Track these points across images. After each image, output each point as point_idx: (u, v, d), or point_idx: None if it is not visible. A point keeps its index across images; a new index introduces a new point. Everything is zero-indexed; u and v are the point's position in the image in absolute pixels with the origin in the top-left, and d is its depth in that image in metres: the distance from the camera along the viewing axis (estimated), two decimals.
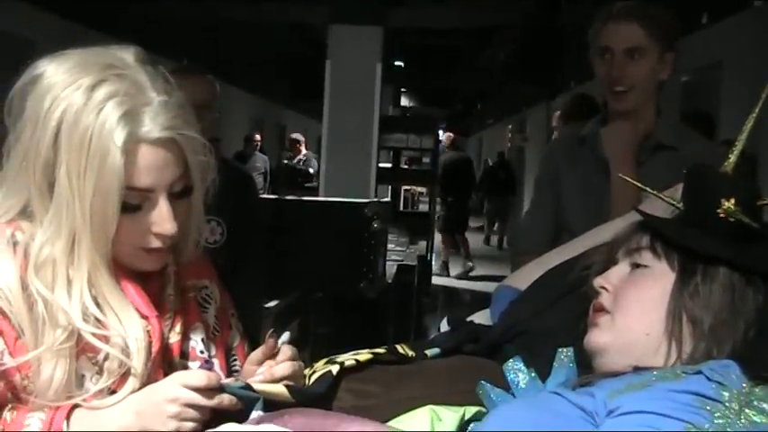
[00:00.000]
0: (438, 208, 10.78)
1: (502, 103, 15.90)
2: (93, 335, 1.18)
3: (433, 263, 10.04)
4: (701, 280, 1.16)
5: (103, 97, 1.15)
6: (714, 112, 5.63)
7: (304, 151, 11.20)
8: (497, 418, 1.12)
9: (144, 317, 1.23)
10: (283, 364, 1.26)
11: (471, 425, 1.21)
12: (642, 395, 1.03)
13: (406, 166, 10.68)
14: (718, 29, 6.48)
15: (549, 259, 1.66)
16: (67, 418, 1.16)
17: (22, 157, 1.18)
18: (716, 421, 0.98)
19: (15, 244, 1.21)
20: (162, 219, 1.20)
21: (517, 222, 9.92)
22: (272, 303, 3.63)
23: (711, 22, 6.45)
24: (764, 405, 1.01)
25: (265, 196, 5.34)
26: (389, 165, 9.01)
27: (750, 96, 1.31)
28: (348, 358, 1.33)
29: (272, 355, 1.28)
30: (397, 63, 11.53)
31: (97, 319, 1.19)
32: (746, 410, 0.99)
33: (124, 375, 1.20)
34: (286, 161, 11.43)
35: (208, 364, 1.31)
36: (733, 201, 1.18)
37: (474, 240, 14.79)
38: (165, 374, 1.22)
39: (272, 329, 1.31)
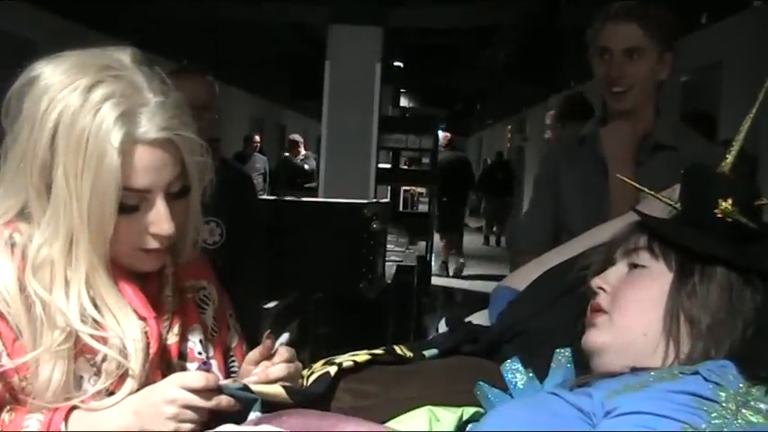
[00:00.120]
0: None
1: (501, 103, 15.90)
2: (92, 336, 1.18)
3: (433, 263, 10.05)
4: (698, 280, 1.16)
5: (100, 98, 1.15)
6: (714, 112, 5.63)
7: (303, 152, 11.22)
8: (495, 418, 1.12)
9: (142, 318, 1.23)
10: (279, 365, 1.26)
11: (469, 425, 1.21)
12: (639, 396, 1.03)
13: (405, 167, 10.68)
14: (717, 29, 6.48)
15: (548, 259, 1.66)
16: (66, 419, 1.16)
17: (19, 158, 1.19)
18: (713, 422, 0.98)
19: (13, 245, 1.21)
20: (159, 219, 1.20)
21: (516, 222, 9.91)
22: (272, 304, 3.63)
23: (711, 22, 6.45)
24: (761, 405, 1.01)
25: (265, 197, 5.34)
26: (389, 165, 9.01)
27: (750, 96, 1.31)
28: (346, 359, 1.33)
29: (270, 355, 1.28)
30: (396, 63, 11.53)
31: (95, 321, 1.19)
32: (743, 411, 1.00)
33: (122, 377, 1.20)
34: (287, 153, 11.45)
35: (206, 366, 1.31)
36: (730, 201, 1.18)
37: (474, 240, 14.84)
38: (164, 376, 1.22)
39: (269, 330, 1.31)
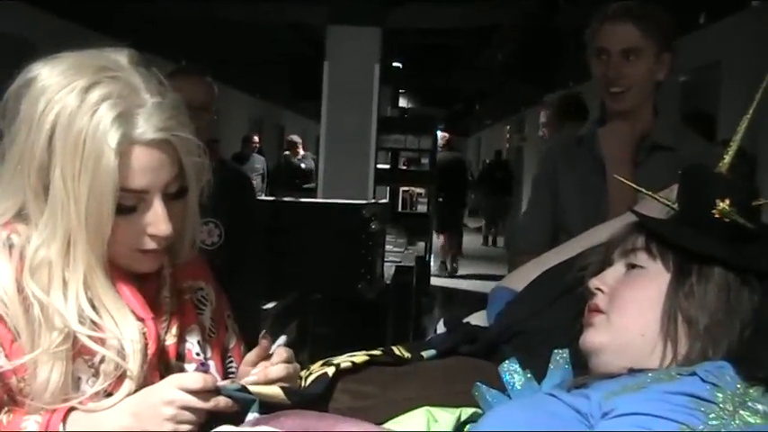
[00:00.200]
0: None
1: (500, 103, 15.90)
2: (89, 337, 1.18)
3: (432, 263, 10.05)
4: (696, 280, 1.16)
5: (97, 99, 1.15)
6: (713, 113, 5.64)
7: (302, 152, 11.22)
8: (493, 419, 1.13)
9: (140, 319, 1.23)
10: (278, 365, 1.26)
11: (467, 426, 1.21)
12: (637, 397, 1.03)
13: (404, 167, 10.68)
14: (716, 29, 6.48)
15: (546, 260, 1.66)
16: (64, 420, 1.17)
17: (16, 159, 1.19)
18: (710, 422, 0.98)
19: (11, 247, 1.21)
20: (157, 220, 1.20)
21: (515, 222, 9.93)
22: (271, 305, 3.64)
23: (709, 22, 6.45)
24: (759, 406, 1.01)
25: (263, 198, 5.34)
26: (388, 166, 9.00)
27: (749, 96, 1.32)
28: (344, 360, 1.33)
29: (267, 357, 1.28)
30: (395, 64, 11.52)
31: (93, 322, 1.19)
32: (741, 411, 1.00)
33: (120, 378, 1.20)
34: (287, 152, 11.45)
35: (204, 367, 1.31)
36: (728, 201, 1.18)
37: (473, 241, 14.85)
38: (162, 377, 1.22)
39: (264, 331, 1.31)
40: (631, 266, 1.23)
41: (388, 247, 5.40)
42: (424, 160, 10.44)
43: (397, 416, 1.24)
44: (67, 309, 1.18)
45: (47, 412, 1.17)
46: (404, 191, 10.27)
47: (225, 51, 8.82)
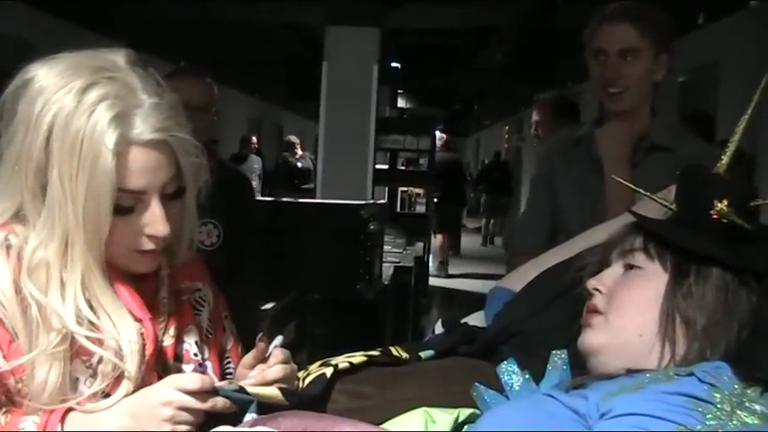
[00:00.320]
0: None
1: (499, 103, 15.91)
2: (87, 338, 1.18)
3: (431, 264, 10.05)
4: (694, 281, 1.16)
5: (94, 100, 1.15)
6: (711, 113, 5.64)
7: (300, 152, 11.22)
8: (491, 419, 1.13)
9: (138, 319, 1.23)
10: (275, 367, 1.26)
11: (465, 426, 1.21)
12: (635, 397, 1.03)
13: (402, 168, 10.67)
14: (714, 29, 6.49)
15: (544, 260, 1.66)
16: (62, 420, 1.17)
17: (14, 160, 1.18)
18: (708, 423, 0.98)
19: (9, 247, 1.21)
20: (154, 220, 1.20)
21: (513, 223, 9.93)
22: (269, 305, 3.64)
23: (707, 23, 6.46)
24: (756, 406, 1.01)
25: (262, 198, 5.34)
26: (386, 166, 8.99)
27: (746, 97, 1.32)
28: (342, 361, 1.33)
29: (264, 358, 1.28)
30: (393, 64, 11.52)
31: (91, 322, 1.19)
32: (738, 412, 1.00)
33: (118, 378, 1.20)
34: (286, 153, 11.46)
35: (202, 367, 1.31)
36: (726, 202, 1.19)
37: (472, 241, 14.86)
38: (159, 377, 1.22)
39: (261, 333, 1.31)
40: (629, 267, 1.23)
41: (386, 247, 5.40)
42: (423, 161, 10.43)
43: (395, 416, 1.24)
44: (65, 309, 1.18)
45: (45, 413, 1.17)
46: (402, 191, 10.26)
47: (223, 51, 8.82)
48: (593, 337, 1.21)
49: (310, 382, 1.29)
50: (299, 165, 10.96)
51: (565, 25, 6.29)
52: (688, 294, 1.16)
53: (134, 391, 1.19)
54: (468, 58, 11.06)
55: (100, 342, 1.19)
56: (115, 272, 1.24)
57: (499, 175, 14.85)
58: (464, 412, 1.23)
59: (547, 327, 1.41)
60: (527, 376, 1.28)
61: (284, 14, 7.48)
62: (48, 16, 6.81)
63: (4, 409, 1.18)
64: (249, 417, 1.17)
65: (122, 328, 1.20)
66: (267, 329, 3.35)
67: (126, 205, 1.18)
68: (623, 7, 2.11)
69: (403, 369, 1.36)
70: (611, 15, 2.11)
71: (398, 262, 5.81)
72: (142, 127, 1.16)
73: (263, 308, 3.47)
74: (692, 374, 1.05)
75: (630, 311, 1.19)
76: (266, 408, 1.19)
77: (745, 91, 1.32)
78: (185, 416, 1.14)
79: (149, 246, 1.22)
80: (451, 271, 11.34)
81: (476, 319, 1.63)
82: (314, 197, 6.22)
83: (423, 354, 1.41)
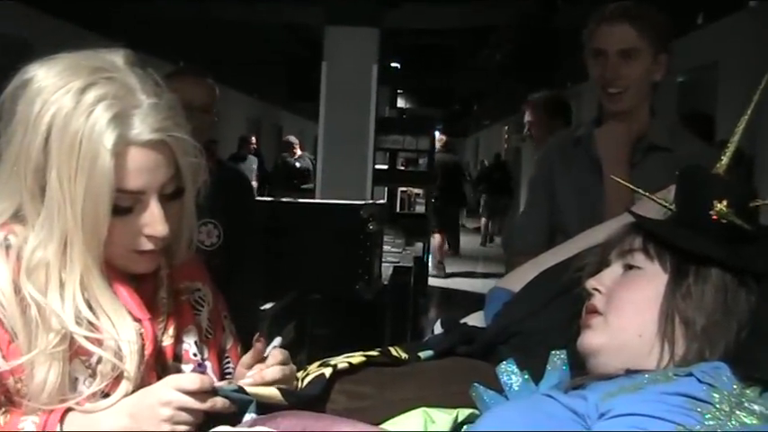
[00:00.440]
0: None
1: (498, 103, 15.89)
2: (86, 338, 1.18)
3: (430, 264, 10.05)
4: (693, 281, 1.16)
5: (93, 100, 1.15)
6: (711, 113, 5.64)
7: (298, 153, 11.22)
8: (490, 419, 1.13)
9: (137, 319, 1.23)
10: (273, 367, 1.25)
11: (464, 427, 1.21)
12: (634, 398, 1.03)
13: (402, 168, 10.67)
14: (713, 29, 6.49)
15: (544, 260, 1.66)
16: (61, 420, 1.17)
17: (13, 160, 1.19)
18: (706, 423, 0.98)
19: (8, 247, 1.21)
20: (153, 221, 1.20)
21: (512, 223, 9.94)
22: (269, 305, 3.63)
23: (707, 23, 6.46)
24: (755, 406, 1.01)
25: (262, 198, 5.35)
26: (386, 166, 8.99)
27: (746, 97, 1.32)
28: (341, 361, 1.33)
29: (262, 359, 1.28)
30: (393, 64, 11.51)
31: (90, 323, 1.19)
32: (737, 412, 1.00)
33: (117, 378, 1.20)
34: (285, 153, 11.46)
35: (201, 367, 1.31)
36: (725, 202, 1.18)
37: (471, 241, 14.87)
38: (159, 377, 1.22)
39: (257, 334, 1.31)
40: (628, 267, 1.23)
41: (386, 247, 5.40)
42: (422, 161, 10.43)
43: (393, 416, 1.24)
44: (64, 309, 1.18)
45: (44, 413, 1.17)
46: (402, 191, 10.26)
47: (222, 51, 8.82)
48: (593, 338, 1.21)
49: (309, 383, 1.29)
50: (298, 165, 10.96)
51: (564, 25, 6.29)
52: (687, 295, 1.16)
53: (133, 392, 1.19)
54: (468, 58, 11.05)
55: (99, 342, 1.19)
56: (114, 272, 1.24)
57: (499, 176, 14.91)
58: (463, 412, 1.23)
59: (546, 327, 1.41)
60: (526, 376, 1.28)
61: (283, 14, 7.47)
62: (47, 16, 6.81)
63: (3, 409, 1.19)
64: (248, 417, 1.17)
65: (121, 328, 1.20)
66: (266, 329, 3.35)
67: (125, 206, 1.18)
68: (622, 7, 2.12)
69: (402, 369, 1.36)
70: (611, 15, 2.11)
71: (398, 262, 5.81)
72: (141, 127, 1.16)
73: (263, 308, 3.47)
74: (690, 375, 1.05)
75: (629, 312, 1.19)
76: (265, 408, 1.19)
77: (745, 91, 1.32)
78: (184, 416, 1.14)
79: (148, 246, 1.22)
80: (451, 270, 11.34)
81: (475, 320, 1.63)
82: (313, 197, 6.22)
83: (422, 354, 1.41)
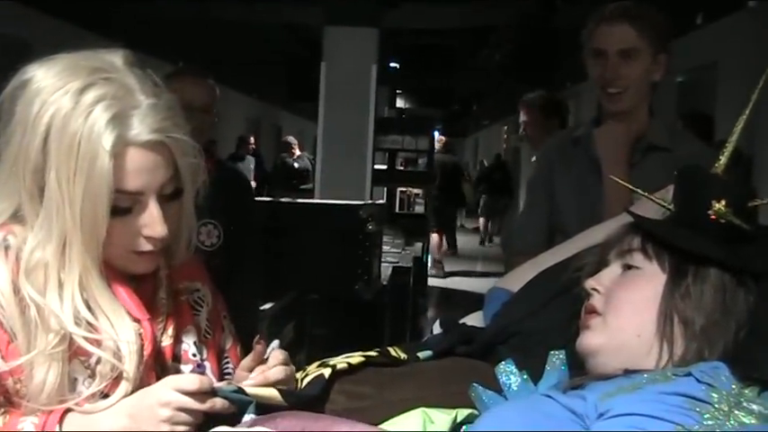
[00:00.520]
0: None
1: (498, 103, 15.89)
2: (86, 339, 1.18)
3: (429, 264, 10.05)
4: (692, 281, 1.16)
5: (92, 101, 1.15)
6: (710, 113, 5.64)
7: (297, 153, 11.22)
8: (489, 419, 1.13)
9: (136, 320, 1.23)
10: (276, 368, 1.25)
11: (463, 427, 1.21)
12: (633, 397, 1.03)
13: (401, 168, 10.66)
14: (712, 29, 6.49)
15: (543, 260, 1.66)
16: (60, 421, 1.17)
17: (12, 161, 1.18)
18: (705, 422, 0.98)
19: (7, 248, 1.21)
20: (152, 221, 1.20)
21: (512, 223, 9.94)
22: (268, 305, 3.63)
23: (706, 23, 6.46)
24: (754, 406, 1.01)
25: (261, 198, 5.35)
26: (385, 166, 8.98)
27: (745, 97, 1.32)
28: (340, 361, 1.33)
29: (263, 360, 1.28)
30: (392, 64, 11.51)
31: (89, 323, 1.19)
32: (736, 411, 1.00)
33: (116, 379, 1.20)
34: (284, 153, 11.46)
35: (200, 368, 1.31)
36: (724, 202, 1.19)
37: (470, 241, 14.87)
38: (158, 378, 1.22)
39: (258, 336, 1.31)
40: (627, 267, 1.23)
41: (385, 247, 5.39)
42: (422, 161, 10.42)
43: (393, 417, 1.24)
44: (63, 310, 1.18)
45: (43, 413, 1.17)
46: (401, 191, 10.26)
47: (221, 51, 8.82)
48: (592, 339, 1.21)
49: (309, 383, 1.29)
50: (297, 165, 10.96)
51: (564, 25, 6.29)
52: (686, 295, 1.16)
53: (132, 392, 1.19)
54: (467, 58, 11.05)
55: (98, 343, 1.19)
56: (113, 272, 1.24)
57: (499, 176, 14.94)
58: (462, 413, 1.23)
59: (545, 327, 1.41)
60: (525, 376, 1.28)
61: (282, 15, 7.47)
62: (47, 16, 6.81)
63: (2, 410, 1.19)
64: (248, 417, 1.17)
65: (120, 328, 1.20)
66: (266, 330, 3.35)
67: (123, 206, 1.18)
68: (622, 7, 2.12)
69: (401, 369, 1.36)
70: (610, 15, 2.11)
71: (397, 262, 5.80)
72: (139, 128, 1.16)
73: (262, 308, 3.47)
74: (689, 374, 1.05)
75: (628, 312, 1.19)
76: (265, 408, 1.19)
77: (744, 91, 1.33)
78: (184, 416, 1.14)
79: (147, 247, 1.22)
80: (450, 270, 11.35)
81: (474, 320, 1.63)
82: (313, 197, 6.21)
83: (421, 354, 1.41)
